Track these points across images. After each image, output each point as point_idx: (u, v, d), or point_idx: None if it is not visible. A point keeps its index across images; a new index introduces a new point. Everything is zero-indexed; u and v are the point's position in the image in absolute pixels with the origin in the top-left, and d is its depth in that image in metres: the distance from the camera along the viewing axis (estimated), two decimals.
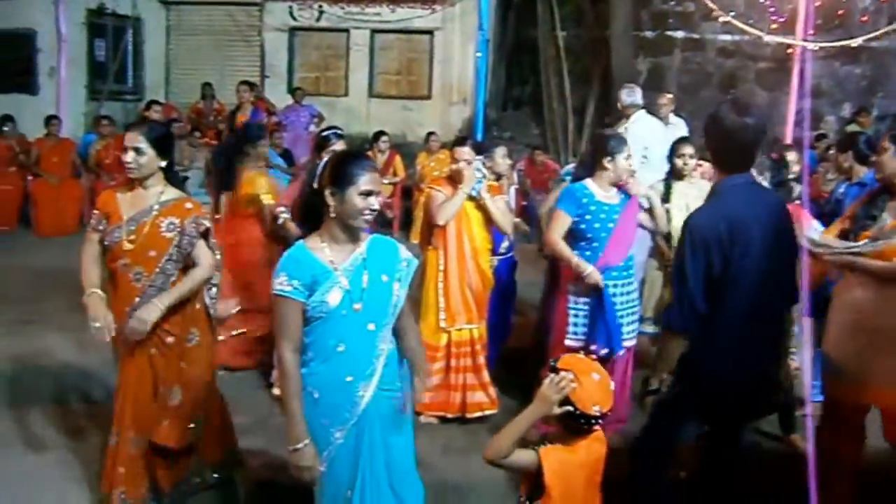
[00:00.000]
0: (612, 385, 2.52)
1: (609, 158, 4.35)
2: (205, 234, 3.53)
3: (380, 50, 13.55)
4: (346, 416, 2.72)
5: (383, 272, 2.78)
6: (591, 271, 4.28)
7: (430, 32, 13.22)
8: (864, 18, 12.42)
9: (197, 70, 13.53)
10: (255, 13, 13.72)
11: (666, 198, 5.25)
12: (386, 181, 8.65)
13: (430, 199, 4.82)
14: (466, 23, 12.91)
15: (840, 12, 12.33)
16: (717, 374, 3.04)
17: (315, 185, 2.76)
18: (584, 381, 2.43)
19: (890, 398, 3.50)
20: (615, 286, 4.40)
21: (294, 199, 5.01)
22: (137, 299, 3.43)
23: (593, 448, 2.55)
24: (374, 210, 2.71)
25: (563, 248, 4.37)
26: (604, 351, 4.30)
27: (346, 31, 13.45)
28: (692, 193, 5.20)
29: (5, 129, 9.94)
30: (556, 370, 2.48)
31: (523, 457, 2.50)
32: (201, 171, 10.17)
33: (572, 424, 2.47)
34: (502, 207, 4.86)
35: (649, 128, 7.18)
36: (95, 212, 3.54)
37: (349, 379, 2.72)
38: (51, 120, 10.11)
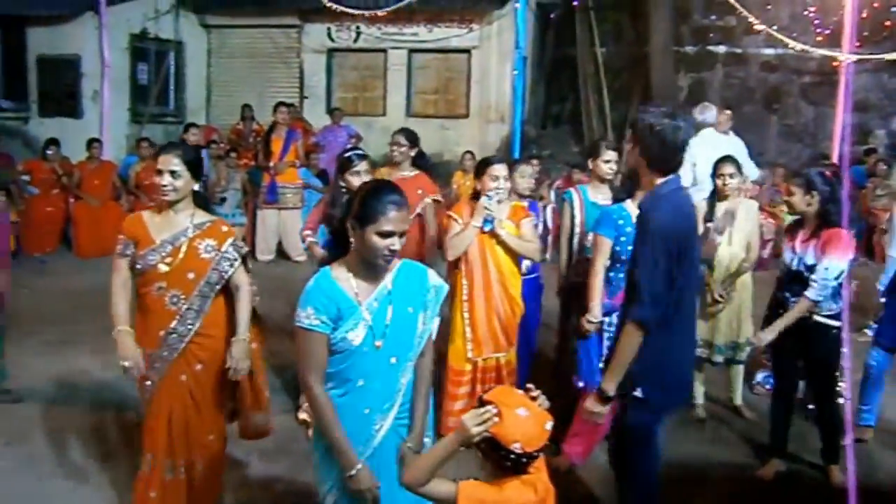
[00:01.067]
0: (548, 425, 2.29)
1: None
2: (244, 258, 3.53)
3: (417, 69, 13.57)
4: (361, 449, 2.64)
5: (409, 304, 2.68)
6: (593, 322, 4.30)
7: (467, 51, 13.21)
8: None
9: (237, 92, 13.69)
10: (293, 35, 13.85)
11: (709, 217, 5.10)
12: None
13: (445, 228, 4.72)
14: (503, 41, 12.86)
15: (888, 23, 12.03)
16: (680, 371, 3.20)
17: (342, 215, 2.71)
18: (507, 416, 2.18)
19: None
20: None
21: (317, 220, 4.97)
22: (174, 322, 3.39)
23: (524, 491, 2.28)
24: (393, 251, 2.57)
25: (595, 286, 4.31)
26: (580, 384, 4.30)
27: (384, 51, 13.51)
28: (738, 215, 5.06)
29: (49, 152, 10.10)
30: (481, 402, 2.25)
31: (441, 487, 2.30)
32: (238, 191, 10.23)
33: (499, 461, 2.24)
34: (527, 232, 4.67)
35: (712, 146, 7.05)
36: (121, 237, 3.47)
37: (367, 411, 2.66)
38: (92, 143, 10.26)
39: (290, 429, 4.76)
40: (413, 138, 5.73)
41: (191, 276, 3.39)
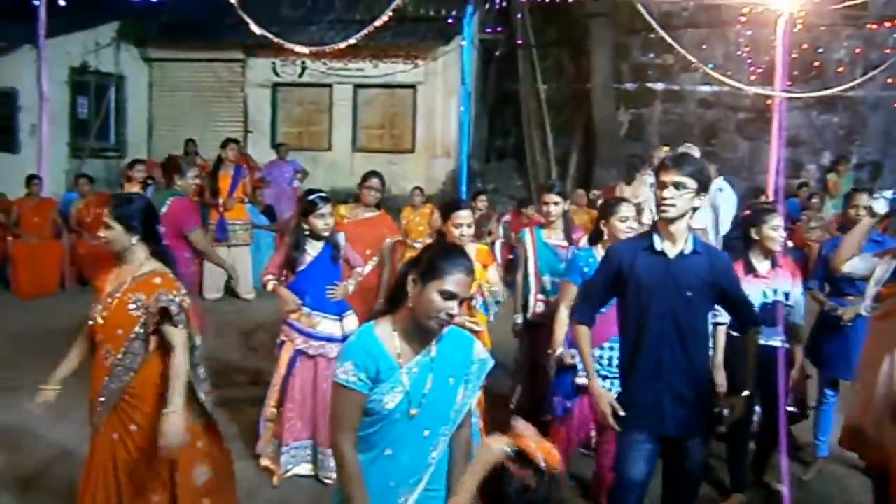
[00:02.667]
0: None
1: (603, 221, 4.37)
2: (164, 312, 3.27)
3: (363, 104, 13.62)
4: None
5: (451, 374, 2.53)
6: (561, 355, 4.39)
7: (412, 87, 13.32)
8: (840, 69, 12.67)
9: (180, 126, 13.53)
10: (237, 69, 13.79)
11: None
12: None
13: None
14: (448, 77, 13.02)
15: (816, 64, 12.56)
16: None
17: (404, 270, 2.56)
18: (523, 436, 2.21)
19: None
20: (612, 349, 4.24)
21: (278, 264, 4.93)
22: (106, 378, 3.31)
23: None
24: (451, 315, 2.42)
25: (560, 327, 4.38)
26: (568, 404, 4.39)
27: (329, 86, 13.54)
28: None
29: None
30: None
31: None
32: None
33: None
34: (494, 280, 4.74)
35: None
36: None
37: (392, 484, 2.52)
38: (32, 179, 10.00)
39: (252, 476, 4.65)
40: (384, 181, 6.05)
41: (119, 331, 3.30)
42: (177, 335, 3.29)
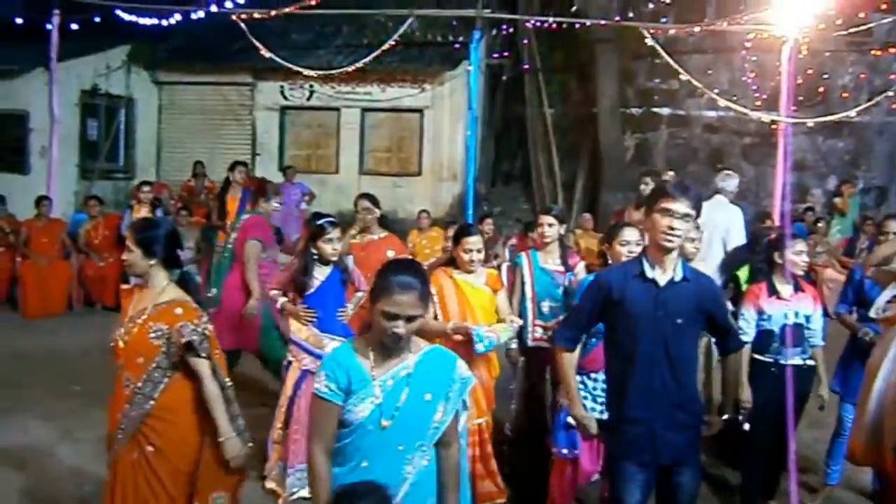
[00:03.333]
0: None
1: (608, 246, 4.37)
2: (189, 346, 3.26)
3: (370, 128, 13.71)
4: None
5: (428, 390, 2.59)
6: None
7: (419, 111, 13.41)
8: (845, 95, 12.73)
9: (188, 149, 13.65)
10: (246, 93, 13.90)
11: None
12: None
13: None
14: (455, 101, 13.11)
15: (821, 89, 12.62)
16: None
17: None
18: None
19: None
20: None
21: (284, 283, 4.96)
22: (126, 406, 3.28)
23: None
24: (397, 335, 2.50)
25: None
26: (563, 451, 4.36)
27: (337, 109, 13.63)
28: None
29: None
30: None
31: None
32: (191, 250, 10.12)
33: None
34: (503, 306, 4.68)
35: (710, 212, 7.20)
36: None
37: None
38: (41, 201, 10.07)
39: (258, 498, 4.65)
40: (375, 200, 6.01)
41: (140, 360, 3.28)
42: (202, 365, 3.30)
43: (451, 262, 4.64)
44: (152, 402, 3.28)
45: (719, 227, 6.61)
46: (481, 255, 4.56)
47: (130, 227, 3.44)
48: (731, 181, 7.14)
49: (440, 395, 2.60)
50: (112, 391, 3.40)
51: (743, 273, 5.68)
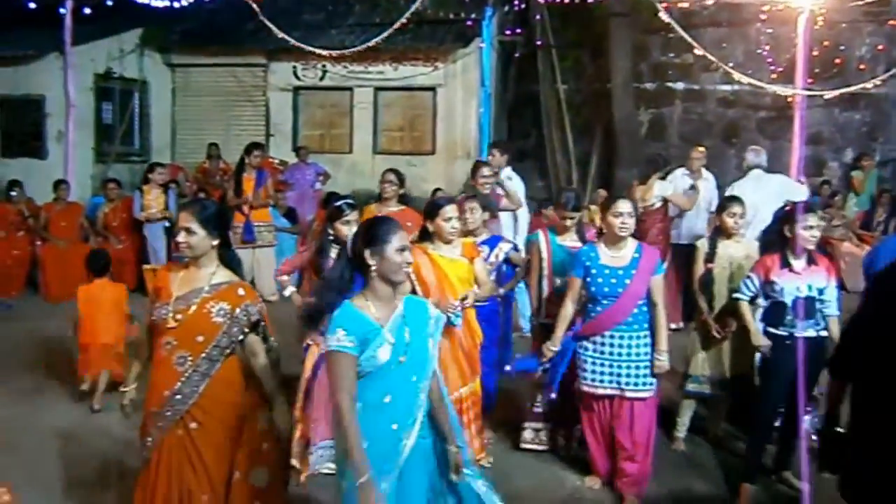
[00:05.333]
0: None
1: (602, 217, 4.64)
2: (255, 325, 3.45)
3: (383, 107, 13.69)
4: (391, 467, 2.87)
5: (420, 328, 3.01)
6: (552, 350, 4.72)
7: (432, 89, 13.37)
8: (862, 66, 12.58)
9: (202, 130, 13.69)
10: (259, 73, 13.91)
11: (710, 257, 5.25)
12: None
13: None
14: (468, 79, 13.07)
15: (837, 60, 12.49)
16: None
17: (350, 254, 3.02)
18: None
19: None
20: (621, 338, 4.50)
21: (300, 264, 5.03)
22: (179, 384, 3.34)
23: None
24: (410, 263, 3.00)
25: (561, 319, 4.68)
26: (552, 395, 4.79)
27: (350, 89, 13.62)
28: (739, 254, 5.22)
29: (13, 193, 10.00)
30: None
31: None
32: None
33: None
34: (481, 272, 4.81)
35: (758, 187, 7.39)
36: (150, 289, 3.58)
37: (394, 427, 2.90)
38: (60, 184, 10.17)
39: None
40: (401, 177, 6.40)
41: (200, 338, 3.34)
42: (258, 344, 3.47)
43: (423, 237, 4.72)
44: (208, 380, 3.36)
45: (765, 198, 6.75)
46: (458, 224, 4.68)
47: (189, 208, 3.43)
48: (763, 156, 7.48)
49: (427, 331, 3.04)
50: (154, 369, 3.45)
51: None
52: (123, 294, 6.28)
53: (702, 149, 8.94)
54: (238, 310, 3.39)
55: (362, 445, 2.79)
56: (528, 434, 5.27)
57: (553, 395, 4.79)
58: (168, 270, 3.52)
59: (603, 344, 4.53)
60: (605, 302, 4.48)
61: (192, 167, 12.83)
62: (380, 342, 2.87)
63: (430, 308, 3.14)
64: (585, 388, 4.62)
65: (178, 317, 3.35)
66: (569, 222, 5.22)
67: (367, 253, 2.93)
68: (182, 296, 3.37)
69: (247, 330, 3.42)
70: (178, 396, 3.35)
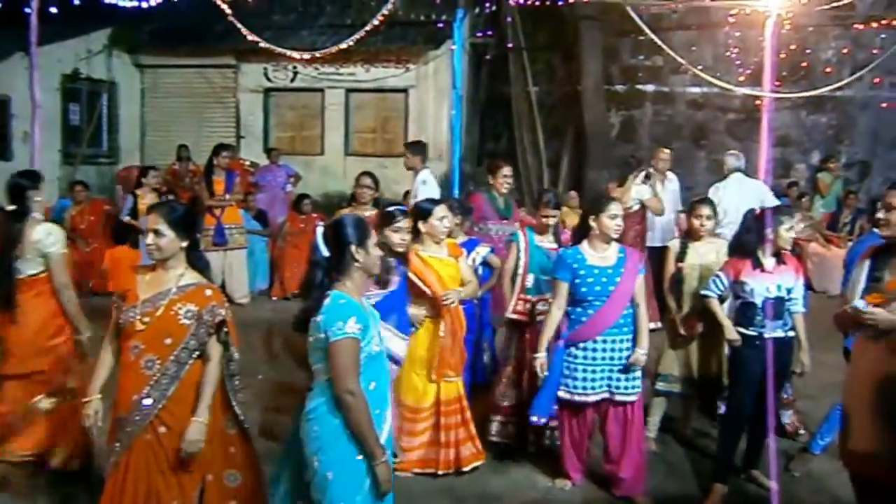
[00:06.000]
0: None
1: (594, 217, 4.47)
2: (218, 326, 3.42)
3: (355, 109, 13.66)
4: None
5: (377, 318, 3.21)
6: (537, 358, 4.55)
7: (404, 91, 13.37)
8: (829, 69, 12.77)
9: (172, 132, 13.56)
10: (230, 75, 13.82)
11: (681, 257, 5.30)
12: None
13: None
14: (440, 80, 13.08)
15: (804, 64, 12.66)
16: None
17: (324, 250, 3.12)
18: None
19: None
20: (613, 342, 4.48)
21: None
22: (148, 388, 3.30)
23: None
24: (381, 255, 3.24)
25: (548, 325, 4.56)
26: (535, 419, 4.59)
27: (321, 90, 13.57)
28: (709, 255, 5.28)
29: None
30: None
31: None
32: None
33: None
34: (466, 272, 4.90)
35: (740, 189, 7.57)
36: (115, 292, 3.49)
37: (378, 412, 3.02)
38: None
39: None
40: (377, 181, 6.40)
41: (168, 341, 3.32)
42: (216, 347, 3.42)
43: (417, 235, 4.76)
44: (177, 383, 3.33)
45: (746, 200, 6.86)
46: (449, 224, 4.82)
47: (158, 210, 3.39)
48: (743, 160, 7.71)
49: (378, 319, 3.23)
50: (122, 374, 3.40)
51: None
52: None
53: (667, 151, 8.98)
54: (205, 311, 3.36)
55: (374, 426, 2.95)
56: (494, 427, 5.31)
57: (544, 421, 4.67)
58: (135, 273, 3.48)
59: (595, 350, 4.47)
60: (596, 303, 4.43)
61: (161, 169, 12.66)
62: (375, 331, 3.06)
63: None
64: (577, 398, 4.53)
65: (146, 320, 3.31)
66: (551, 220, 5.29)
67: (354, 248, 3.08)
68: (149, 298, 3.34)
69: (212, 331, 3.39)
70: (148, 401, 3.31)
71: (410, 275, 4.62)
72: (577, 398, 4.52)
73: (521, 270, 5.25)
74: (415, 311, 4.64)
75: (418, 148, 8.07)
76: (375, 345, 3.05)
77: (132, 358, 3.34)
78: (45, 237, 4.45)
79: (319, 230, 3.18)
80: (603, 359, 4.47)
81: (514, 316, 5.25)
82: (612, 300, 4.42)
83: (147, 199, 9.65)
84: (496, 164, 7.12)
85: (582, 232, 4.60)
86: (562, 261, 4.57)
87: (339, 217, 3.30)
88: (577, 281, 4.44)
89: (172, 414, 3.35)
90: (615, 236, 4.51)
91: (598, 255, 4.48)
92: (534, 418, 4.57)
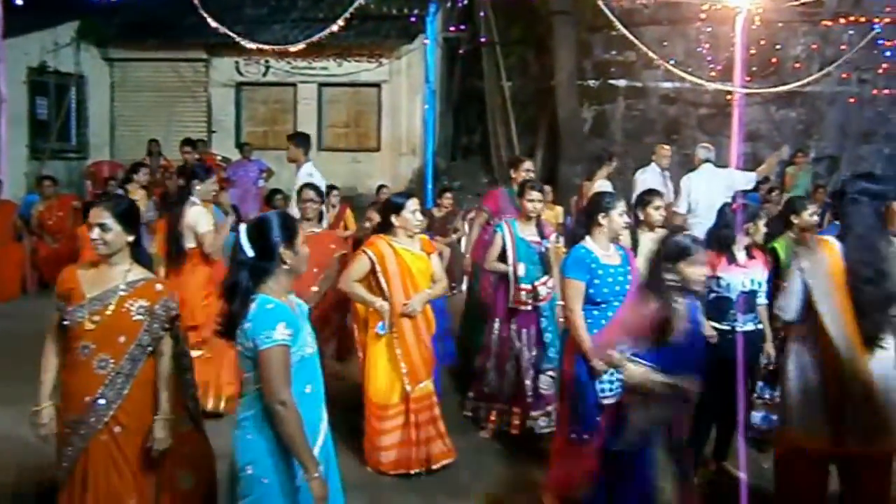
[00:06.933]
0: None
1: (603, 214, 4.29)
2: (172, 321, 3.35)
3: (328, 103, 13.60)
4: (316, 451, 2.88)
5: (305, 317, 3.05)
6: (599, 365, 4.06)
7: (377, 85, 13.33)
8: (798, 65, 12.91)
9: (142, 127, 13.41)
10: (201, 69, 13.69)
11: (634, 246, 5.33)
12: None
13: (354, 258, 4.88)
14: (413, 75, 13.06)
15: (774, 59, 12.79)
16: None
17: (247, 251, 2.91)
18: None
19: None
20: None
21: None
22: (102, 388, 3.21)
23: None
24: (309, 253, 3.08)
25: (582, 329, 4.14)
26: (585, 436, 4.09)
27: (294, 85, 13.49)
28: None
29: None
30: None
31: None
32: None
33: None
34: (437, 269, 4.90)
35: (710, 180, 7.54)
36: (57, 292, 3.31)
37: (314, 415, 2.93)
38: None
39: None
40: (321, 194, 6.05)
41: (122, 339, 3.23)
42: (168, 342, 3.35)
43: (382, 231, 4.80)
44: (132, 381, 3.26)
45: (716, 191, 6.97)
46: (421, 217, 4.83)
47: (102, 204, 3.28)
48: (713, 152, 7.92)
49: (306, 317, 3.07)
50: (70, 375, 3.31)
51: (780, 245, 5.64)
52: None
53: (667, 147, 9.12)
54: (157, 306, 3.28)
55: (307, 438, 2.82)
56: (469, 403, 5.52)
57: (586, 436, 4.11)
58: (74, 270, 3.35)
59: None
60: (615, 304, 4.21)
61: (131, 164, 12.51)
62: (306, 333, 2.93)
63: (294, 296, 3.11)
64: (611, 399, 4.12)
65: (96, 318, 3.21)
66: (537, 205, 5.32)
67: (282, 249, 2.90)
68: (96, 296, 3.23)
69: (167, 326, 3.32)
70: (102, 401, 3.22)
71: (377, 266, 4.65)
72: (611, 400, 4.15)
73: (510, 261, 5.29)
74: (381, 304, 4.64)
75: (302, 140, 7.76)
76: (308, 346, 2.92)
77: (82, 358, 3.23)
78: None
79: (243, 228, 2.96)
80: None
81: (515, 305, 5.30)
82: (627, 300, 4.19)
83: (137, 195, 9.53)
84: (518, 158, 7.13)
85: (581, 230, 4.42)
86: (578, 260, 4.26)
87: (265, 214, 3.10)
88: (597, 282, 4.20)
89: (128, 413, 3.27)
90: (623, 234, 4.50)
91: (607, 253, 4.30)
92: (585, 436, 4.06)
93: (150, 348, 3.30)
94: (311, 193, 5.86)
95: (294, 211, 6.06)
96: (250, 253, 2.89)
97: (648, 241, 5.35)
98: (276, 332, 2.76)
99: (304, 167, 7.30)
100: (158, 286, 3.36)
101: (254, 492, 2.83)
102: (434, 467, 4.77)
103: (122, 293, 3.25)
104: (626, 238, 5.38)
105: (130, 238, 3.30)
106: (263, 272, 2.89)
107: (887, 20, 11.60)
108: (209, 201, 9.31)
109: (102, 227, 3.21)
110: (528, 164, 6.65)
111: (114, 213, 3.23)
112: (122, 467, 3.27)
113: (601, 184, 7.99)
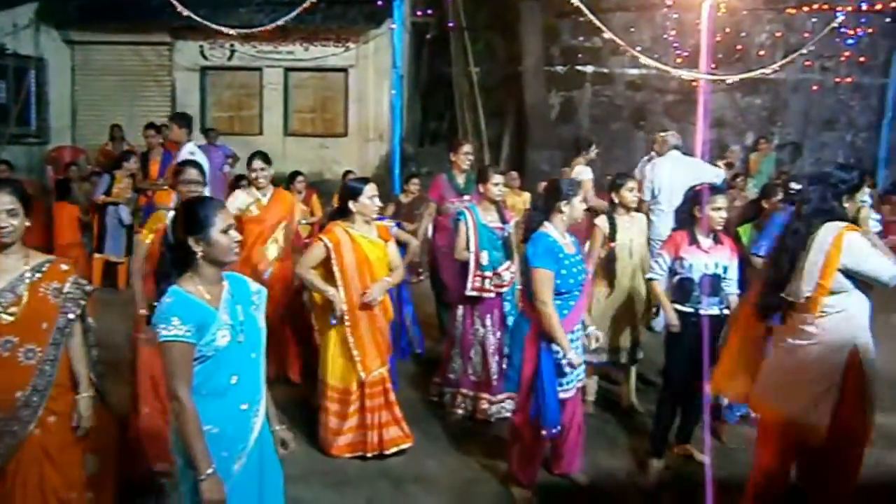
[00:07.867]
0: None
1: (565, 202, 4.23)
2: (86, 296, 3.27)
3: (294, 88, 13.48)
4: (244, 446, 2.83)
5: (247, 304, 2.93)
6: (571, 357, 4.07)
7: (344, 70, 13.24)
8: (762, 52, 13.03)
9: (105, 112, 13.17)
10: (164, 52, 13.49)
11: (612, 236, 5.40)
12: (304, 221, 8.50)
13: (311, 245, 4.86)
14: (380, 60, 12.98)
15: (739, 47, 12.90)
16: None
17: (171, 239, 2.82)
18: None
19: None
20: (580, 329, 4.32)
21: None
22: (32, 379, 3.10)
23: None
24: (238, 241, 2.85)
25: (555, 322, 4.05)
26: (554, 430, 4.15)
27: (259, 69, 13.35)
28: (633, 230, 5.45)
29: None
30: None
31: None
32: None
33: None
34: (394, 256, 4.87)
35: (675, 167, 7.53)
36: None
37: (244, 407, 2.86)
38: None
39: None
40: (269, 159, 6.12)
41: (44, 325, 3.12)
42: (76, 323, 3.27)
43: (339, 217, 4.76)
44: (58, 366, 3.18)
45: (680, 177, 6.97)
46: (378, 204, 4.76)
47: (7, 188, 3.09)
48: (679, 139, 7.84)
49: (253, 304, 2.95)
50: None
51: (744, 229, 5.82)
52: None
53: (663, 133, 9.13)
54: (67, 285, 3.20)
55: (203, 437, 2.70)
56: (435, 389, 5.63)
57: (555, 431, 4.19)
58: None
59: (572, 340, 4.16)
60: (576, 293, 4.18)
61: (93, 149, 12.34)
62: (218, 326, 2.76)
63: (251, 283, 3.02)
64: (569, 394, 4.27)
65: (12, 310, 3.08)
66: (501, 187, 5.37)
67: (190, 241, 2.76)
68: (3, 288, 3.08)
69: (83, 303, 3.24)
70: (35, 393, 3.13)
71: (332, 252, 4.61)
72: (570, 395, 4.28)
73: (472, 248, 5.29)
74: (333, 293, 4.60)
75: (183, 121, 7.69)
76: (223, 338, 2.76)
77: (5, 354, 3.08)
78: None
79: (170, 214, 2.86)
80: (576, 349, 4.22)
81: (475, 293, 5.27)
82: (585, 289, 4.28)
83: (123, 182, 9.38)
84: (457, 141, 7.11)
85: (539, 216, 4.33)
86: (546, 248, 4.14)
87: (184, 201, 2.97)
88: (564, 272, 4.12)
89: (56, 400, 3.19)
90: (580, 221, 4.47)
91: (565, 242, 4.24)
92: (544, 432, 4.12)
93: (67, 330, 3.21)
94: (258, 162, 6.00)
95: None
96: (171, 240, 2.83)
97: (626, 223, 5.43)
98: (170, 327, 2.66)
99: (185, 147, 7.30)
100: (63, 266, 3.25)
101: (184, 482, 2.79)
102: (388, 451, 4.76)
103: (32, 279, 3.13)
104: (603, 222, 5.47)
105: (28, 224, 3.13)
106: (180, 263, 2.81)
107: (850, 8, 11.74)
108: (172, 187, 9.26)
109: (11, 212, 3.05)
110: (466, 147, 6.65)
111: (19, 198, 3.08)
112: (55, 454, 3.18)
113: (580, 170, 7.99)
